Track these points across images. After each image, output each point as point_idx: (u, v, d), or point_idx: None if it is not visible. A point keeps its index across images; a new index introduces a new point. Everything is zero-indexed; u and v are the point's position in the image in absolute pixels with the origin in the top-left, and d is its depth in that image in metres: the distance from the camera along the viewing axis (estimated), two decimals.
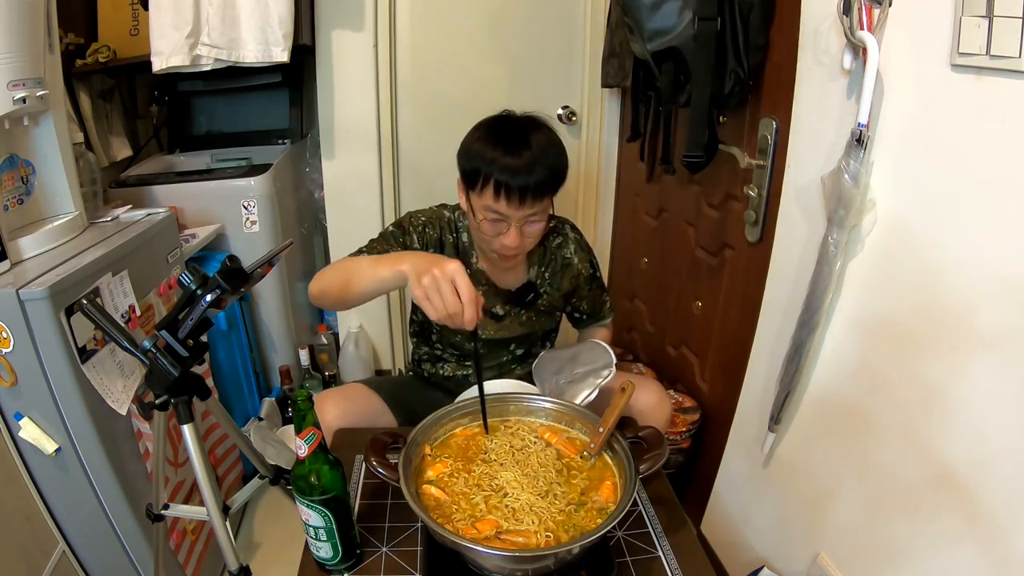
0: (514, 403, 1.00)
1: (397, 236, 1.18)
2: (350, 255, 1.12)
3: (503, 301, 1.26)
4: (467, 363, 1.33)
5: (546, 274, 1.27)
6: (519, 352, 1.32)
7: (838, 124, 0.95)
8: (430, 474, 0.89)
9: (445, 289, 0.84)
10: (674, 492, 1.00)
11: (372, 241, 1.17)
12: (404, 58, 2.01)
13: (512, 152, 1.03)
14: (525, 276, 1.27)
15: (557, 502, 0.84)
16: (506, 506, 0.83)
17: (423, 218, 1.21)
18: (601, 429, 0.89)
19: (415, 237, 1.18)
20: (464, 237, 1.24)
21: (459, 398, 1.11)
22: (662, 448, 0.85)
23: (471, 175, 1.07)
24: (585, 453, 0.91)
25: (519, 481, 0.87)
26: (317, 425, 0.78)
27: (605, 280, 1.62)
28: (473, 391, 1.00)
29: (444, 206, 1.26)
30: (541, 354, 1.31)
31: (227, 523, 0.98)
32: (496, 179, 1.03)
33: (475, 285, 1.22)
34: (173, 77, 1.72)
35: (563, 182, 1.11)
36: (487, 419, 0.95)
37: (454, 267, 0.84)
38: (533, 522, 0.81)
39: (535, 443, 0.94)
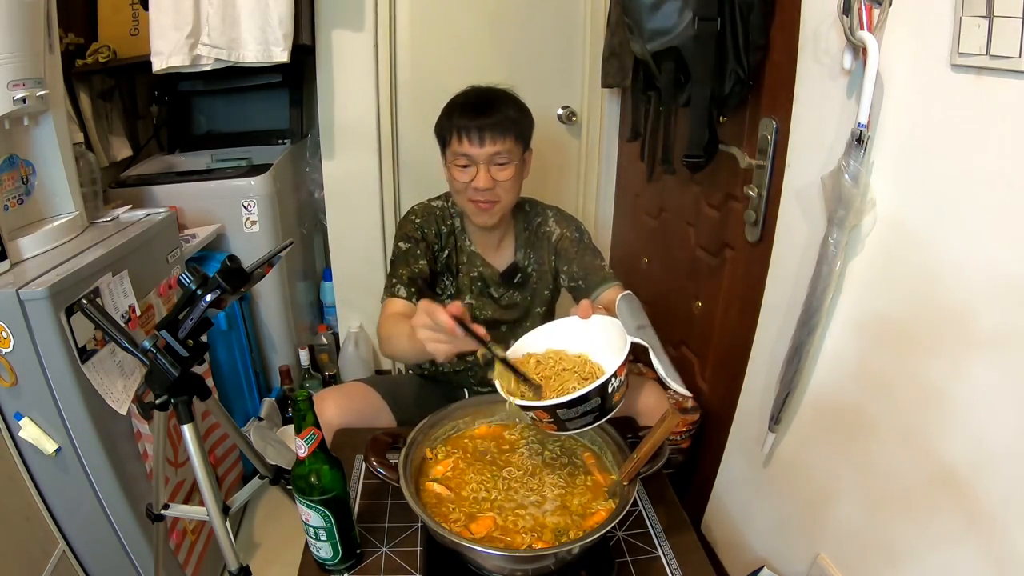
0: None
1: (413, 250, 1.22)
2: (385, 293, 1.19)
3: (496, 284, 1.29)
4: (468, 357, 1.33)
5: (531, 254, 1.31)
6: (510, 336, 1.30)
7: (838, 124, 0.95)
8: (438, 469, 0.90)
9: (432, 328, 0.82)
10: (674, 492, 1.00)
11: (393, 267, 1.22)
12: (404, 58, 2.01)
13: (472, 107, 1.17)
14: (512, 258, 1.30)
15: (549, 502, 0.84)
16: (499, 506, 0.84)
17: (417, 220, 1.26)
18: (635, 456, 0.82)
19: (424, 245, 1.24)
20: (457, 222, 1.28)
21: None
22: (662, 448, 0.85)
23: (442, 135, 1.20)
24: (615, 479, 0.85)
25: (520, 481, 0.87)
26: (317, 425, 0.78)
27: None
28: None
29: (430, 200, 1.31)
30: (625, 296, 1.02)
31: (227, 523, 0.98)
32: (458, 126, 1.15)
33: (471, 267, 1.27)
34: (173, 77, 1.71)
35: (527, 132, 1.20)
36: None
37: (422, 305, 0.83)
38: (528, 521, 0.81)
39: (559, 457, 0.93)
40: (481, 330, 0.81)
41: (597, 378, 0.78)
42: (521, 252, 1.30)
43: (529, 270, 1.30)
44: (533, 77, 2.06)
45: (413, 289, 1.16)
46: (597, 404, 0.78)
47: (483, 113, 1.15)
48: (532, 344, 0.92)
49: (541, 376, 0.85)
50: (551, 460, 0.93)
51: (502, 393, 0.82)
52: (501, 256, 1.30)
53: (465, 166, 1.16)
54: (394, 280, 1.19)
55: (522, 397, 0.81)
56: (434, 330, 0.81)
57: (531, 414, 0.80)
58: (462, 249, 1.28)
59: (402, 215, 1.31)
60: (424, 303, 0.83)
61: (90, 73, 1.76)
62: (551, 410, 0.77)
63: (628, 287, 1.26)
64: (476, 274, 1.28)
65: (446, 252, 1.27)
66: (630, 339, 0.81)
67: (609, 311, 0.93)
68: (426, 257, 1.22)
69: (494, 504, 0.85)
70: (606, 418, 0.81)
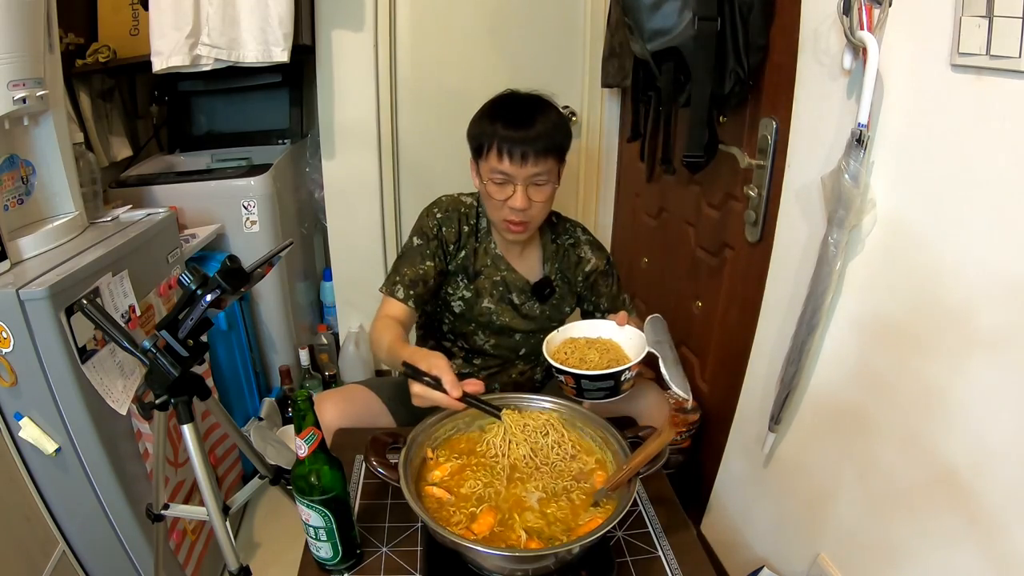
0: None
1: (423, 249, 1.21)
2: (385, 290, 1.20)
3: (519, 291, 1.27)
4: (475, 361, 1.33)
5: (558, 269, 1.30)
6: (523, 345, 1.32)
7: (838, 124, 0.95)
8: (436, 474, 0.89)
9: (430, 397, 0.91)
10: (674, 492, 1.00)
11: (399, 262, 1.22)
12: (404, 58, 2.01)
13: (514, 119, 1.11)
14: (540, 269, 1.29)
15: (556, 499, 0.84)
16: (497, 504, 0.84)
17: (439, 215, 1.24)
18: (625, 466, 0.83)
19: (436, 244, 1.22)
20: (483, 223, 1.26)
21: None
22: (662, 450, 0.85)
23: (477, 146, 1.14)
24: (602, 490, 0.85)
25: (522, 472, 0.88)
26: (317, 425, 0.78)
27: None
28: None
29: (462, 195, 1.28)
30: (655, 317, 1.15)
31: (227, 523, 0.98)
32: (499, 139, 1.10)
33: (495, 270, 1.26)
34: (173, 77, 1.72)
35: (566, 148, 1.16)
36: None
37: (417, 391, 0.92)
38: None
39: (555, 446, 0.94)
40: (479, 386, 0.92)
41: (619, 365, 1.00)
42: (549, 265, 1.29)
43: (556, 285, 1.29)
44: (533, 77, 2.04)
45: (412, 292, 1.17)
46: (611, 385, 0.99)
47: (526, 126, 1.09)
48: (578, 331, 1.13)
49: (581, 354, 1.07)
50: (552, 460, 0.93)
51: (547, 356, 1.04)
52: (525, 263, 1.28)
53: (502, 184, 1.12)
54: (396, 278, 1.19)
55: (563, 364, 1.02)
56: (430, 398, 0.91)
57: (561, 377, 1.01)
58: (487, 251, 1.25)
59: (403, 214, 1.30)
60: (420, 389, 0.91)
61: (90, 73, 1.76)
62: (578, 378, 0.99)
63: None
64: (499, 278, 1.26)
65: (463, 252, 1.25)
66: (647, 348, 1.01)
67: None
68: (435, 259, 1.20)
69: (493, 500, 0.85)
70: (614, 399, 1.01)
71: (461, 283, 1.26)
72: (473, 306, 1.26)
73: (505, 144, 1.09)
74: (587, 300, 1.33)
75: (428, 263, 1.19)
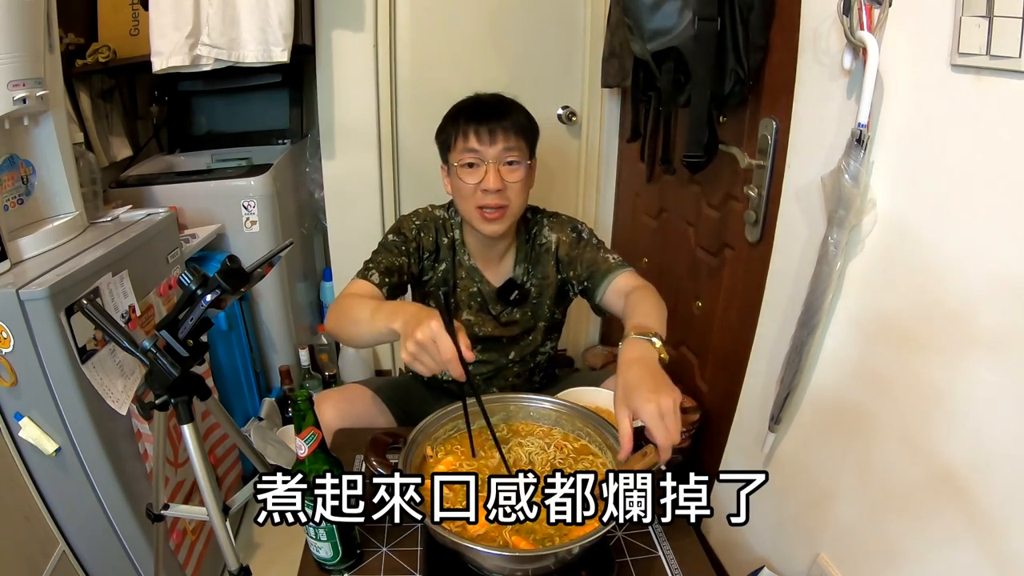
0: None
1: (399, 244, 1.19)
2: (357, 275, 1.13)
3: (493, 301, 1.26)
4: (468, 365, 1.32)
5: (528, 268, 1.26)
6: (511, 349, 1.29)
7: (838, 124, 0.95)
8: (439, 469, 0.90)
9: (431, 351, 0.81)
10: None
11: (375, 254, 1.18)
12: (404, 58, 2.01)
13: (479, 111, 1.13)
14: (510, 274, 1.26)
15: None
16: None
17: (417, 222, 1.23)
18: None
19: (415, 245, 1.20)
20: (457, 234, 1.25)
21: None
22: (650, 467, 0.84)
23: (444, 141, 1.16)
24: None
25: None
26: (317, 425, 0.78)
27: None
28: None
29: (434, 206, 1.27)
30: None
31: (227, 523, 0.98)
32: (465, 122, 1.11)
33: (469, 282, 1.24)
34: (173, 77, 1.72)
35: (534, 134, 1.17)
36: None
37: (434, 326, 0.80)
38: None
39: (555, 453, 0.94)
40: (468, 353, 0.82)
41: None
42: (520, 267, 1.25)
43: (528, 286, 1.26)
44: (533, 77, 2.06)
45: (387, 280, 1.12)
46: None
47: (493, 114, 1.11)
48: (576, 398, 1.07)
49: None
50: (552, 457, 0.93)
51: None
52: (500, 271, 1.26)
53: (472, 164, 1.11)
54: (371, 265, 1.14)
55: None
56: (430, 354, 0.81)
57: None
58: (460, 263, 1.24)
59: (401, 216, 1.30)
60: (437, 325, 0.80)
61: (90, 73, 1.76)
62: None
63: None
64: (475, 290, 1.24)
65: (444, 265, 1.23)
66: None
67: (623, 306, 1.08)
68: (409, 257, 1.18)
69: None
70: None
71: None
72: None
73: (471, 126, 1.11)
74: (573, 281, 1.23)
75: (403, 259, 1.17)
